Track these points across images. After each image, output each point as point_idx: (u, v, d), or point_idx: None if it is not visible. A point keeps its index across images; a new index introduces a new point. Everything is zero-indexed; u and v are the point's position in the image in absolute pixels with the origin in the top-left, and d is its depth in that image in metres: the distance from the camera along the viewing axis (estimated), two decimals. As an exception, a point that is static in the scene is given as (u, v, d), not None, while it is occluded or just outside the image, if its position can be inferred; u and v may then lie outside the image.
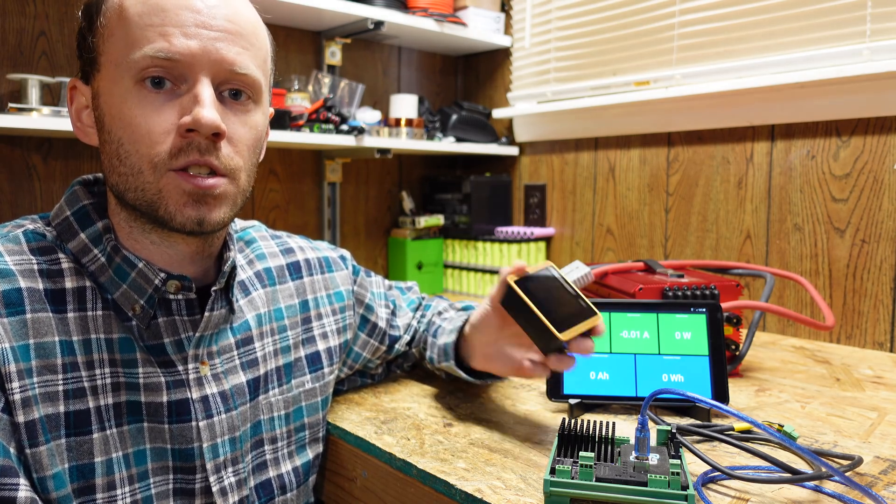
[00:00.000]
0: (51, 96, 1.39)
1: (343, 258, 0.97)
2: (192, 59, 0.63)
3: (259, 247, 0.86)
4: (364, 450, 0.84)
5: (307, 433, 0.84)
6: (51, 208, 1.44)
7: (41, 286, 0.63)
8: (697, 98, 1.55)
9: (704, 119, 1.57)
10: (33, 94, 1.29)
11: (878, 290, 1.32)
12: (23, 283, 0.61)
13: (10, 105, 1.24)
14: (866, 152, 1.32)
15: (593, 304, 0.79)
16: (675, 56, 1.60)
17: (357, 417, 0.91)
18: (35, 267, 0.63)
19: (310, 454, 0.85)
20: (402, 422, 0.89)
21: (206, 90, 0.64)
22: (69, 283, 0.64)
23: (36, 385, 0.60)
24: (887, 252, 1.31)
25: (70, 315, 0.63)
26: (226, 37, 0.65)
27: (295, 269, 0.88)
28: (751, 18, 1.46)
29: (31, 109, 1.24)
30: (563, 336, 0.73)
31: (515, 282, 0.77)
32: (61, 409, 0.61)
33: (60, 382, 0.61)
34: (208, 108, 0.63)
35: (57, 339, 0.62)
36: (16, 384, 0.58)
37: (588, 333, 0.76)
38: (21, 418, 0.58)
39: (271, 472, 0.78)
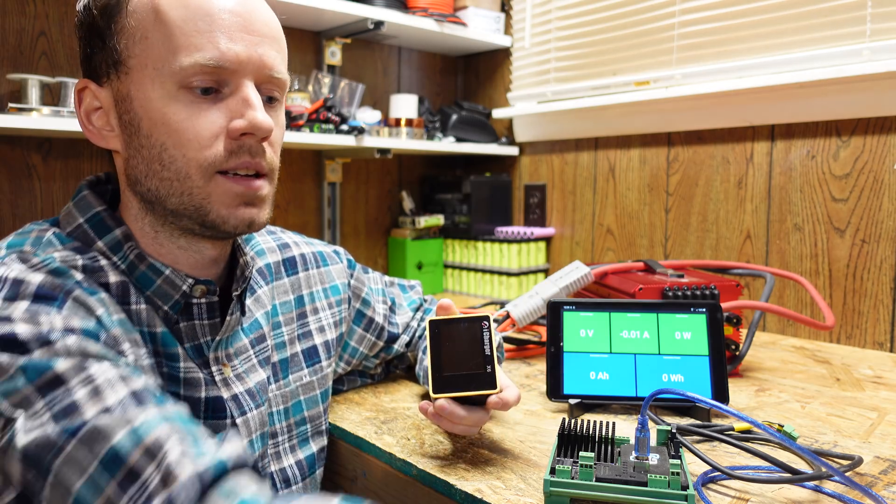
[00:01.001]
0: (51, 96, 1.39)
1: (337, 252, 0.97)
2: (239, 66, 0.63)
3: (257, 243, 0.87)
4: (364, 450, 0.84)
5: (309, 426, 0.84)
6: (51, 208, 1.44)
7: (90, 279, 0.62)
8: (697, 98, 1.55)
9: (704, 119, 1.57)
10: (33, 94, 1.29)
11: (878, 290, 1.32)
12: (79, 276, 0.61)
13: (10, 105, 1.23)
14: (866, 152, 1.32)
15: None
16: (675, 56, 1.60)
17: (357, 417, 0.91)
18: (79, 262, 0.63)
19: (314, 447, 0.85)
20: (402, 422, 0.89)
21: (254, 94, 0.65)
22: (112, 278, 0.64)
23: (130, 353, 0.61)
24: (887, 252, 1.31)
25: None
26: (264, 41, 0.66)
27: (290, 265, 0.89)
28: (751, 18, 1.46)
29: (31, 109, 1.24)
30: (435, 396, 0.71)
31: (436, 321, 0.75)
32: (153, 381, 0.61)
33: (144, 356, 0.63)
34: (262, 112, 0.64)
35: (125, 317, 0.63)
36: (126, 346, 0.60)
37: (478, 402, 0.72)
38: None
39: (273, 467, 0.79)
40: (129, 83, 0.64)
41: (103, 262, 0.65)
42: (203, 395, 0.68)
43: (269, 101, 0.69)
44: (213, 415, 0.69)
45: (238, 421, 0.70)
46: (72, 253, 0.63)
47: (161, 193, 0.65)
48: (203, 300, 0.70)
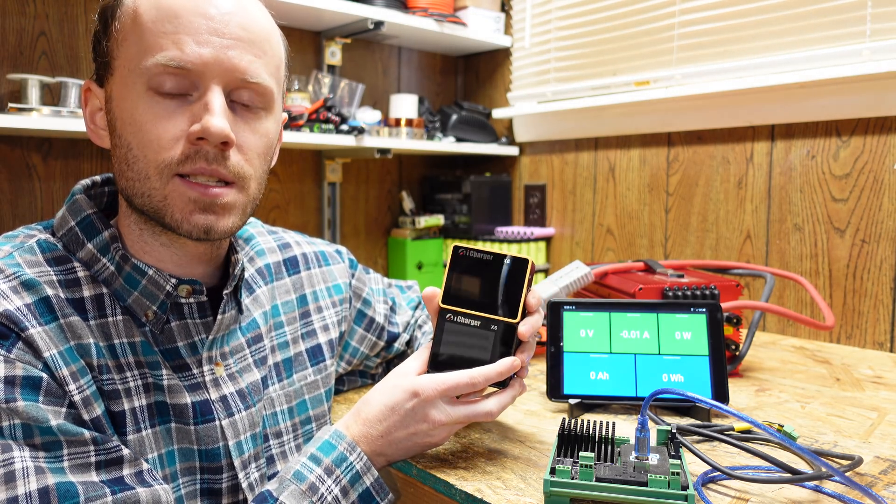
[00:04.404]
0: (51, 96, 1.39)
1: (339, 252, 0.97)
2: (204, 68, 0.63)
3: (258, 243, 0.87)
4: (364, 450, 0.84)
5: (314, 425, 0.85)
6: (51, 208, 1.44)
7: (63, 296, 0.63)
8: (697, 98, 1.55)
9: (704, 119, 1.57)
10: (33, 94, 1.29)
11: (878, 290, 1.32)
12: (49, 291, 0.62)
13: (10, 105, 1.24)
14: (866, 152, 1.32)
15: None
16: (675, 56, 1.60)
17: (357, 417, 0.90)
18: (54, 278, 0.63)
19: None
20: (402, 422, 0.89)
21: (216, 98, 0.64)
22: (87, 292, 0.65)
23: (92, 382, 0.61)
24: (887, 252, 1.31)
25: (92, 322, 0.64)
26: (238, 44, 0.65)
27: (292, 265, 0.89)
28: (751, 18, 1.46)
29: (31, 109, 1.24)
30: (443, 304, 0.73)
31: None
32: (107, 405, 0.63)
33: (101, 382, 0.63)
34: (217, 117, 0.63)
35: (91, 340, 0.63)
36: (73, 385, 0.59)
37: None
38: (87, 416, 0.60)
39: (279, 466, 0.79)
40: (113, 84, 0.66)
41: (81, 273, 0.65)
42: (188, 400, 0.68)
43: (248, 106, 0.68)
44: (201, 418, 0.69)
45: (224, 423, 0.70)
46: (46, 266, 0.64)
47: (129, 193, 0.66)
48: (192, 300, 0.70)
